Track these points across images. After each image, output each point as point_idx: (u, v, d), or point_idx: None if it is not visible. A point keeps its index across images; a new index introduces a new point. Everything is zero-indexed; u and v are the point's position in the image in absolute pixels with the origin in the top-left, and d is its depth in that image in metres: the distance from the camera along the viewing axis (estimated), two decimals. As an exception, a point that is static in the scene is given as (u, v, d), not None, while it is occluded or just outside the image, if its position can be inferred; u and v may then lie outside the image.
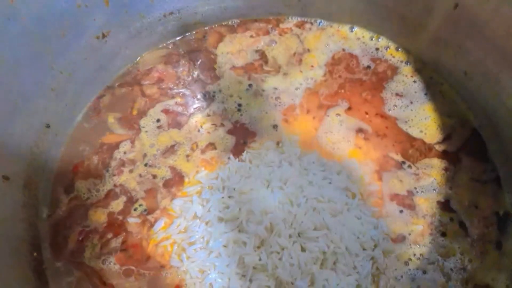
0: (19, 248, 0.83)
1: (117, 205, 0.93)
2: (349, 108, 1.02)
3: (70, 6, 0.89)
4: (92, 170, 0.97)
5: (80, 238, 0.89)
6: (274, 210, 0.84)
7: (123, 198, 0.93)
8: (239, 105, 1.04)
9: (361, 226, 0.84)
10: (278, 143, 0.98)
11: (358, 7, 1.07)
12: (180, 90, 1.07)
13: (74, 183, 0.95)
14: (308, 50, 1.11)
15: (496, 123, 0.93)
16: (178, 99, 1.06)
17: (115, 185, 0.95)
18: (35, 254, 0.86)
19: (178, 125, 1.02)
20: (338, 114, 1.01)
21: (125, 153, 0.99)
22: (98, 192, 0.95)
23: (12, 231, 0.82)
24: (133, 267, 0.87)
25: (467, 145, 0.96)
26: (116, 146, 1.00)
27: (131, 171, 0.97)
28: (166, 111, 1.04)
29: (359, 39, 1.11)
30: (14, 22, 0.78)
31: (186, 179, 0.96)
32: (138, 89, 1.07)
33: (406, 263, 0.85)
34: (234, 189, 0.89)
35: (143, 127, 1.02)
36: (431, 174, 0.93)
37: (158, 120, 1.03)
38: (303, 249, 0.81)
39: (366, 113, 1.01)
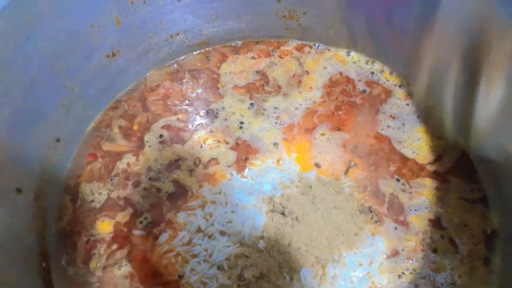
0: (28, 258, 0.85)
1: (123, 216, 0.96)
2: (342, 129, 1.07)
3: (83, 26, 0.93)
4: (95, 174, 1.01)
5: (88, 248, 0.92)
6: (276, 225, 0.88)
7: (129, 210, 0.97)
8: (241, 122, 1.08)
9: (358, 243, 0.89)
10: (278, 161, 1.02)
11: (354, 33, 1.13)
12: (184, 107, 1.11)
13: (78, 188, 0.99)
14: (307, 72, 1.16)
15: (484, 145, 0.99)
16: (181, 116, 1.10)
17: (118, 197, 0.99)
18: (43, 264, 0.88)
19: (182, 141, 1.06)
20: (323, 134, 1.06)
21: (128, 165, 1.02)
22: (101, 195, 0.98)
23: (22, 242, 0.85)
24: (137, 279, 0.90)
25: (456, 166, 1.02)
26: (119, 156, 1.04)
27: (136, 184, 1.00)
28: (168, 127, 1.08)
29: (355, 63, 1.17)
30: (32, 42, 0.82)
31: (190, 193, 0.99)
32: (143, 105, 1.11)
33: (400, 277, 0.89)
34: (237, 204, 0.93)
35: (147, 141, 1.06)
36: (423, 193, 0.98)
37: (161, 136, 1.07)
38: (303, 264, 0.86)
39: (360, 133, 1.07)
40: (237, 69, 1.17)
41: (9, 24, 0.77)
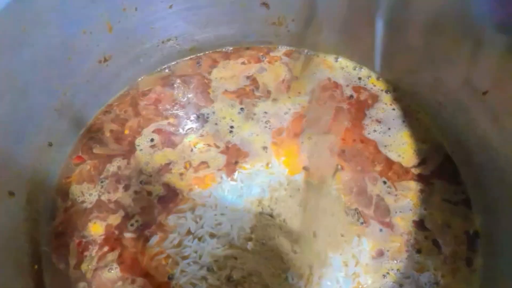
0: (20, 261, 0.86)
1: (115, 219, 0.98)
2: (330, 133, 1.10)
3: (76, 33, 0.95)
4: (85, 176, 1.03)
5: (80, 250, 0.93)
6: (264, 227, 0.90)
7: (121, 213, 0.98)
8: (232, 127, 1.11)
9: (345, 244, 0.91)
10: (267, 164, 1.04)
11: (342, 40, 1.16)
12: (175, 111, 1.13)
13: (69, 190, 1.01)
14: (296, 78, 1.19)
15: (467, 149, 1.02)
16: (171, 120, 1.12)
17: (109, 200, 1.00)
18: (35, 266, 0.90)
19: (173, 145, 1.08)
20: (310, 138, 1.08)
21: (119, 168, 1.04)
22: (91, 196, 1.00)
23: (14, 244, 0.86)
24: (128, 280, 0.92)
25: (440, 169, 1.04)
26: (109, 159, 1.05)
27: (127, 187, 1.02)
28: (159, 131, 1.10)
29: (343, 69, 1.20)
30: (26, 48, 0.84)
31: (180, 197, 1.01)
32: (135, 109, 1.13)
33: (384, 277, 0.91)
34: (226, 207, 0.95)
35: (138, 145, 1.08)
36: (408, 196, 1.01)
37: (152, 140, 1.08)
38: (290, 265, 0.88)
39: (347, 137, 1.09)
40: (228, 74, 1.19)
41: (2, 30, 0.78)
